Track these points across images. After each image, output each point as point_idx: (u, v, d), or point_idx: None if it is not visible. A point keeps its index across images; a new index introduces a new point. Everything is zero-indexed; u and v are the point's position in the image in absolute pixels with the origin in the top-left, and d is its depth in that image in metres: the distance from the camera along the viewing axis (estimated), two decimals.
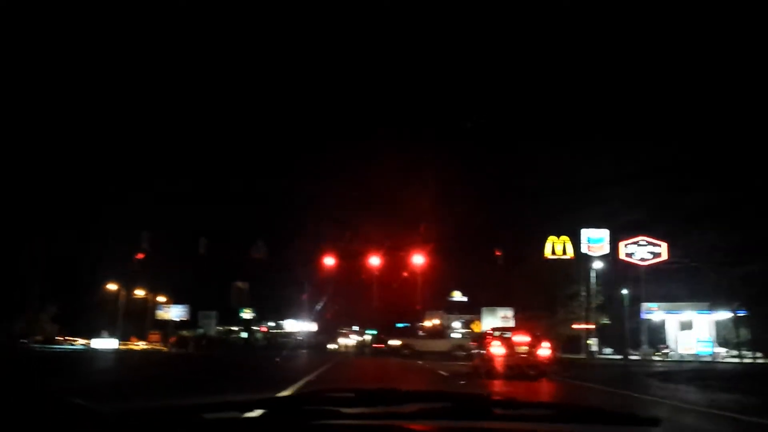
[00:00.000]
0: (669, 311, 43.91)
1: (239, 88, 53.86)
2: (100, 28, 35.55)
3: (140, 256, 37.43)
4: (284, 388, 11.53)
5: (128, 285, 53.18)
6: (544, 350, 18.84)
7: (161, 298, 61.18)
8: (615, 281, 49.27)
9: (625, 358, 40.95)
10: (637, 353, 43.30)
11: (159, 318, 65.78)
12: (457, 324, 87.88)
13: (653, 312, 43.80)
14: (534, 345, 18.83)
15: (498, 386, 15.34)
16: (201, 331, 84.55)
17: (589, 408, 2.25)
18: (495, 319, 69.91)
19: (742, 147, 38.07)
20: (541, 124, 53.07)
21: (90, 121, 41.79)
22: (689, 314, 43.62)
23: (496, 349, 18.69)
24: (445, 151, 49.70)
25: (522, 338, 19.02)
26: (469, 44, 46.01)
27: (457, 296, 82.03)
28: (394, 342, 40.31)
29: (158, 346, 53.86)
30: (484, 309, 69.89)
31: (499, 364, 18.38)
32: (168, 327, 61.45)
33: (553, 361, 19.90)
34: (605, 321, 48.94)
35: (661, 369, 28.87)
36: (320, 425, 2.06)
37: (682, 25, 39.68)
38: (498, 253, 37.28)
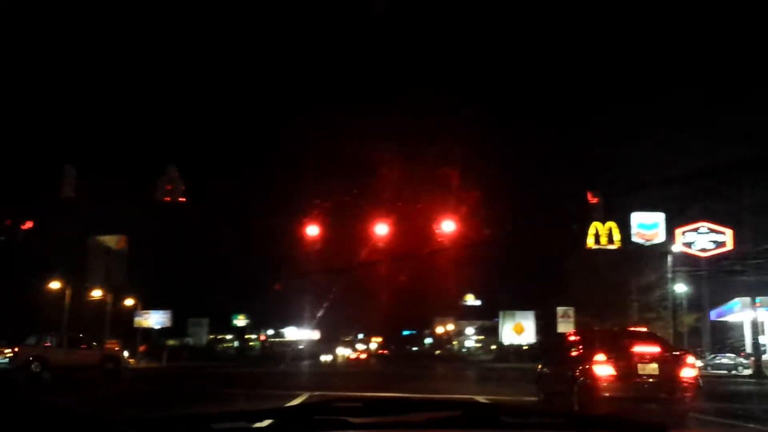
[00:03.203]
0: None
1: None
2: None
3: (27, 225, 26.18)
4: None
5: (77, 281, 43.70)
6: (689, 370, 9.71)
7: (129, 301, 51.79)
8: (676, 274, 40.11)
9: (760, 374, 29.34)
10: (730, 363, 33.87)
11: (138, 326, 56.74)
12: (470, 330, 79.36)
13: (758, 309, 34.03)
14: (670, 361, 9.72)
15: None
16: (189, 340, 75.75)
17: (598, 416, 2.47)
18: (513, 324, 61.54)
19: None
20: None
21: None
22: None
23: (603, 367, 9.45)
24: (461, 119, 40.15)
25: (649, 348, 9.87)
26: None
27: (471, 300, 73.82)
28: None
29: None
30: (503, 312, 61.69)
31: (606, 393, 9.32)
32: (137, 334, 52.01)
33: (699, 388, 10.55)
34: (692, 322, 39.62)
35: None
36: None
37: None
38: (594, 200, 26.54)
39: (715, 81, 39.55)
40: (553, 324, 42.25)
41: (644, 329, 13.14)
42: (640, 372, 9.47)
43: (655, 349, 9.81)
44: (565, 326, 37.47)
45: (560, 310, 42.46)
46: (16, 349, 26.68)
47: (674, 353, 10.04)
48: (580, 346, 10.48)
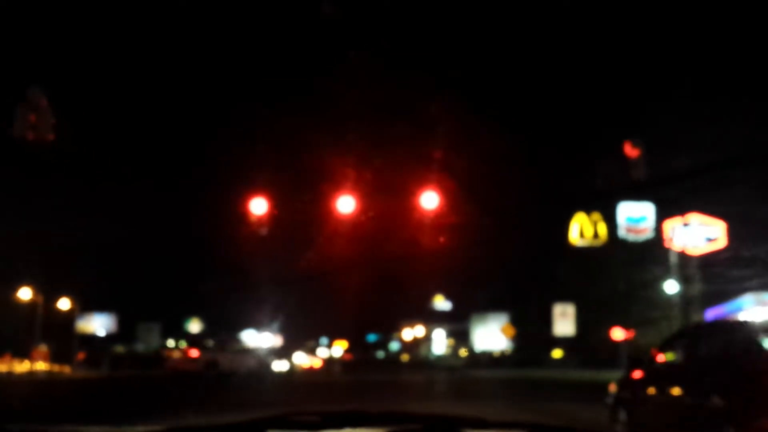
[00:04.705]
0: None
1: None
2: None
3: None
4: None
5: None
6: None
7: (65, 302, 46.69)
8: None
9: None
10: None
11: (81, 331, 52.40)
12: (440, 334, 75.82)
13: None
14: None
15: None
16: (139, 346, 71.05)
17: (560, 427, 2.15)
18: (487, 329, 58.53)
19: None
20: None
21: None
22: None
23: None
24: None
25: None
26: None
27: (441, 302, 70.52)
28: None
29: (46, 366, 39.19)
30: (474, 315, 60.25)
31: None
32: (73, 340, 47.33)
33: None
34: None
35: None
36: None
37: None
38: (634, 153, 21.57)
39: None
40: (534, 326, 38.75)
41: None
42: None
43: None
44: (563, 326, 33.93)
45: (558, 307, 38.78)
46: (195, 353, 29.38)
47: None
48: (735, 353, 6.13)
